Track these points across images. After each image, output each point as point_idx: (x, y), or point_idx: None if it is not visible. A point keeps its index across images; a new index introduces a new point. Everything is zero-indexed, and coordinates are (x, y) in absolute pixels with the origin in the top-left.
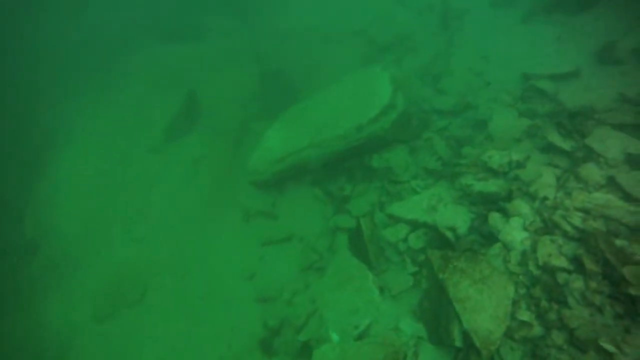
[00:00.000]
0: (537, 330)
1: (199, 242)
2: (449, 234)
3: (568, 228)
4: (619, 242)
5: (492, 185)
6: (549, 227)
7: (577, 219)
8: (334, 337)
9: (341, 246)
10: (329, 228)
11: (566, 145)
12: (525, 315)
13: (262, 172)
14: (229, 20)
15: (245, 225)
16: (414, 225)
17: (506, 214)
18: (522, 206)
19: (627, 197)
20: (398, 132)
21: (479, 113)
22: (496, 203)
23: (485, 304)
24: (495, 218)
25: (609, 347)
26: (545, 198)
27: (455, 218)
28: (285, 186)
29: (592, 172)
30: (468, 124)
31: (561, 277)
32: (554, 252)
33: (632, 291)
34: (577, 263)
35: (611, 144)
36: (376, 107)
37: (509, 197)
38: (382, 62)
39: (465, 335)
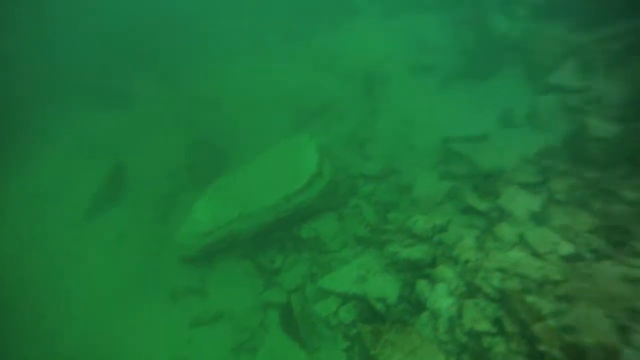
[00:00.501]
0: None
1: (122, 328)
2: (379, 306)
3: (489, 290)
4: (530, 299)
5: (418, 252)
6: (472, 291)
7: (496, 280)
8: None
9: (273, 322)
10: (261, 304)
11: (482, 206)
12: None
13: (191, 246)
14: (157, 86)
15: (173, 305)
16: (345, 297)
17: (432, 281)
18: (446, 271)
19: (534, 253)
20: (326, 201)
21: (403, 177)
22: (422, 269)
23: None
24: (422, 286)
25: None
26: (467, 261)
27: (384, 288)
28: (215, 260)
29: (505, 231)
30: (394, 188)
31: (486, 341)
32: (478, 317)
33: (543, 347)
34: (499, 325)
35: (519, 202)
36: (303, 177)
37: (434, 263)
38: (309, 130)
39: None
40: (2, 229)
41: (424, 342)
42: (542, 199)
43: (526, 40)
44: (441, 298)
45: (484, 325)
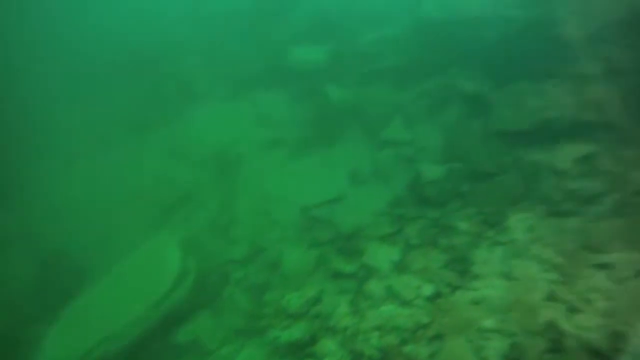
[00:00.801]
0: None
1: None
2: None
3: (371, 351)
4: (407, 349)
5: (297, 331)
6: (356, 357)
7: (375, 339)
8: None
9: None
10: None
11: (349, 268)
12: None
13: None
14: None
15: None
16: None
17: (317, 358)
18: (328, 345)
19: (403, 302)
20: (198, 297)
21: (271, 255)
22: (304, 349)
23: None
24: None
25: None
26: (345, 328)
27: None
28: None
29: (374, 287)
30: (264, 268)
31: None
32: None
33: None
34: None
35: (381, 256)
36: (169, 279)
37: (315, 339)
38: (169, 226)
39: None
40: None
41: None
42: (401, 247)
43: (359, 104)
44: None
45: None
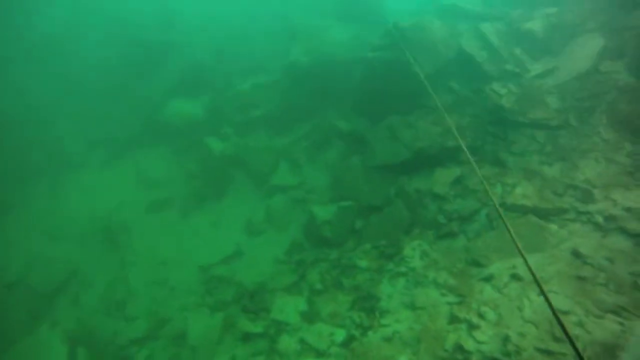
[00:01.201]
0: None
1: None
2: None
3: None
4: None
5: None
6: None
7: None
8: None
9: None
10: None
11: (258, 327)
12: None
13: None
14: None
15: None
16: None
17: None
18: None
19: (318, 353)
20: None
21: (175, 326)
22: None
23: None
24: None
25: None
26: None
27: None
28: None
29: (287, 343)
30: (170, 342)
31: None
32: None
33: None
34: None
35: (288, 308)
36: None
37: None
38: (51, 317)
39: None
40: None
41: None
42: (306, 296)
43: (242, 154)
44: None
45: None
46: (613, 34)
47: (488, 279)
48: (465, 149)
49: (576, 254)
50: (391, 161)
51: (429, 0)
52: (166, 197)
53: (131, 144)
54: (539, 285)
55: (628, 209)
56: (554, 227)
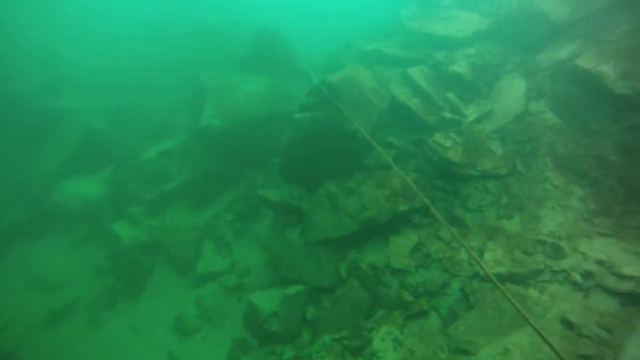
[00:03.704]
0: None
1: None
2: None
3: None
4: None
5: None
6: None
7: None
8: None
9: None
10: None
11: None
12: None
13: None
14: None
15: None
16: None
17: None
18: None
19: None
20: None
21: None
22: None
23: None
24: None
25: None
26: None
27: None
28: None
29: None
30: None
31: None
32: None
33: None
34: None
35: None
36: None
37: None
38: None
39: None
40: None
41: None
42: None
43: (158, 238)
44: None
45: None
46: (530, 74)
47: None
48: (434, 209)
49: (567, 323)
50: (336, 235)
51: (339, 40)
52: (69, 301)
53: (17, 238)
54: None
55: (600, 262)
56: (534, 293)
